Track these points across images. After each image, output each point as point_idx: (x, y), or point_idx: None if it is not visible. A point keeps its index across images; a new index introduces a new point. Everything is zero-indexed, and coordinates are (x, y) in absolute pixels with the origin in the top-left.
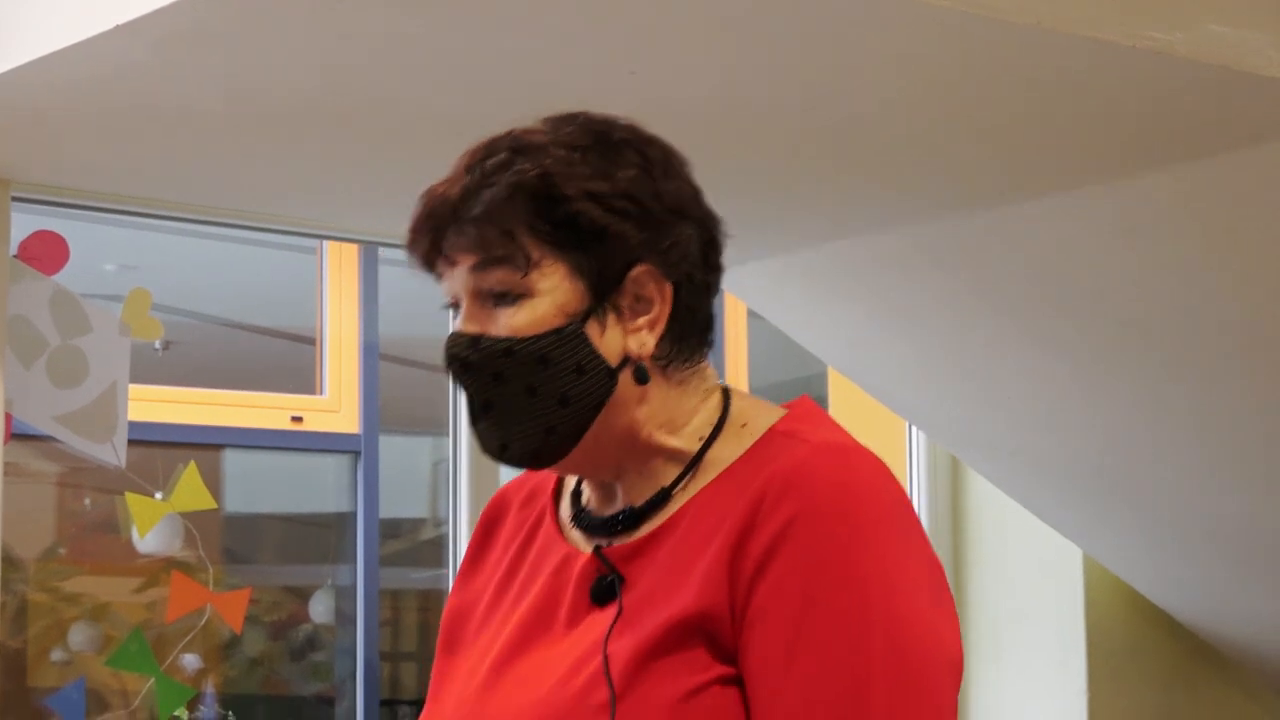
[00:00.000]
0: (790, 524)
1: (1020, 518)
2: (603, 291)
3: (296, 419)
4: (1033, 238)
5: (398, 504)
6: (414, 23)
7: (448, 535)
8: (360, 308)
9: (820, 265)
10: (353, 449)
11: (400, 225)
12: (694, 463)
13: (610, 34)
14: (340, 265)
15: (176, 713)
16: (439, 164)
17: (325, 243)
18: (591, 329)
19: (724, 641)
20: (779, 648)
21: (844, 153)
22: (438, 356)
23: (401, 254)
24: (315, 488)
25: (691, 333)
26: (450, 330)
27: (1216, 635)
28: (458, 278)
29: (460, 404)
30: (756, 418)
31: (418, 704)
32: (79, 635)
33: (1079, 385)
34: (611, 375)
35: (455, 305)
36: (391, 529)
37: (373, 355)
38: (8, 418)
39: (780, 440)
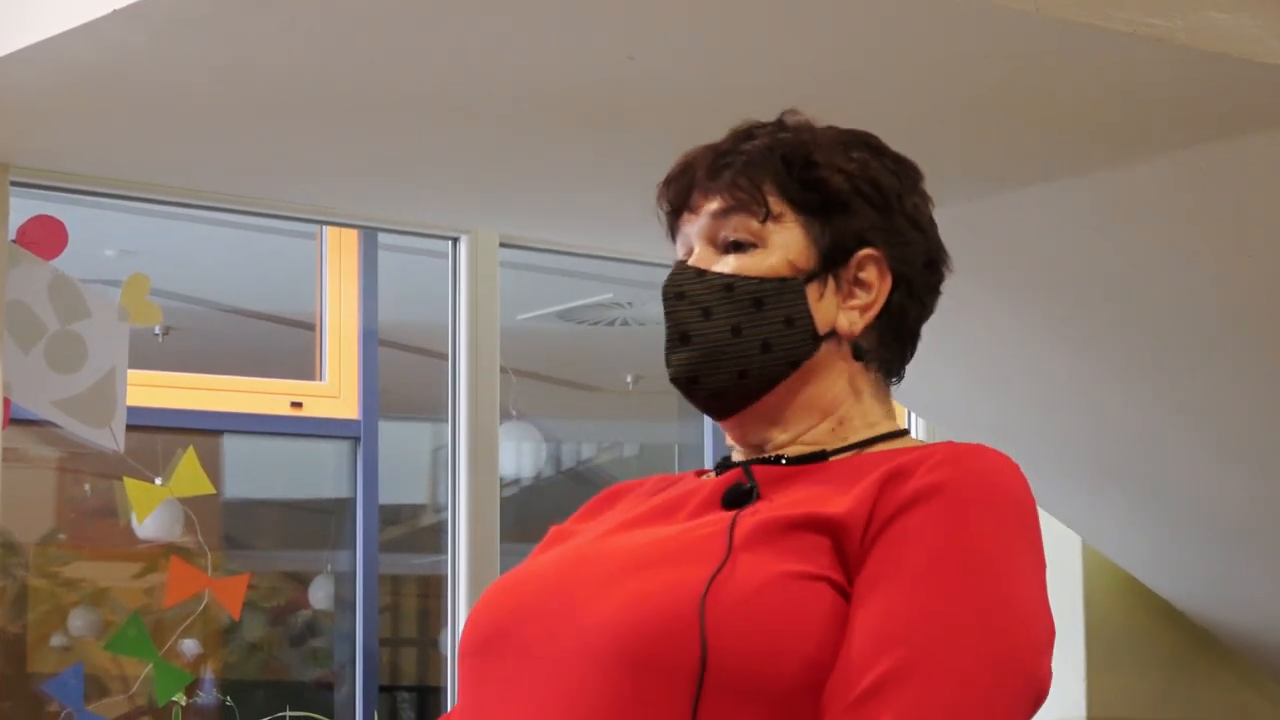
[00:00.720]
0: (944, 483)
1: None
2: (830, 261)
3: (296, 404)
4: (1030, 224)
5: (397, 490)
6: (413, 6)
7: (447, 521)
8: (360, 293)
9: None
10: (352, 435)
11: (400, 211)
12: (860, 445)
13: (609, 18)
14: (340, 251)
15: (175, 698)
16: (438, 150)
17: (325, 228)
18: (811, 291)
19: (849, 552)
20: (892, 575)
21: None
22: (437, 342)
23: (401, 240)
24: (315, 473)
25: (895, 337)
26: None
27: (1214, 622)
28: (698, 224)
29: (460, 390)
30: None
31: (417, 690)
32: (78, 620)
33: (1076, 371)
34: (816, 338)
35: (686, 259)
36: (391, 515)
37: (372, 341)
38: (6, 403)
39: (950, 442)
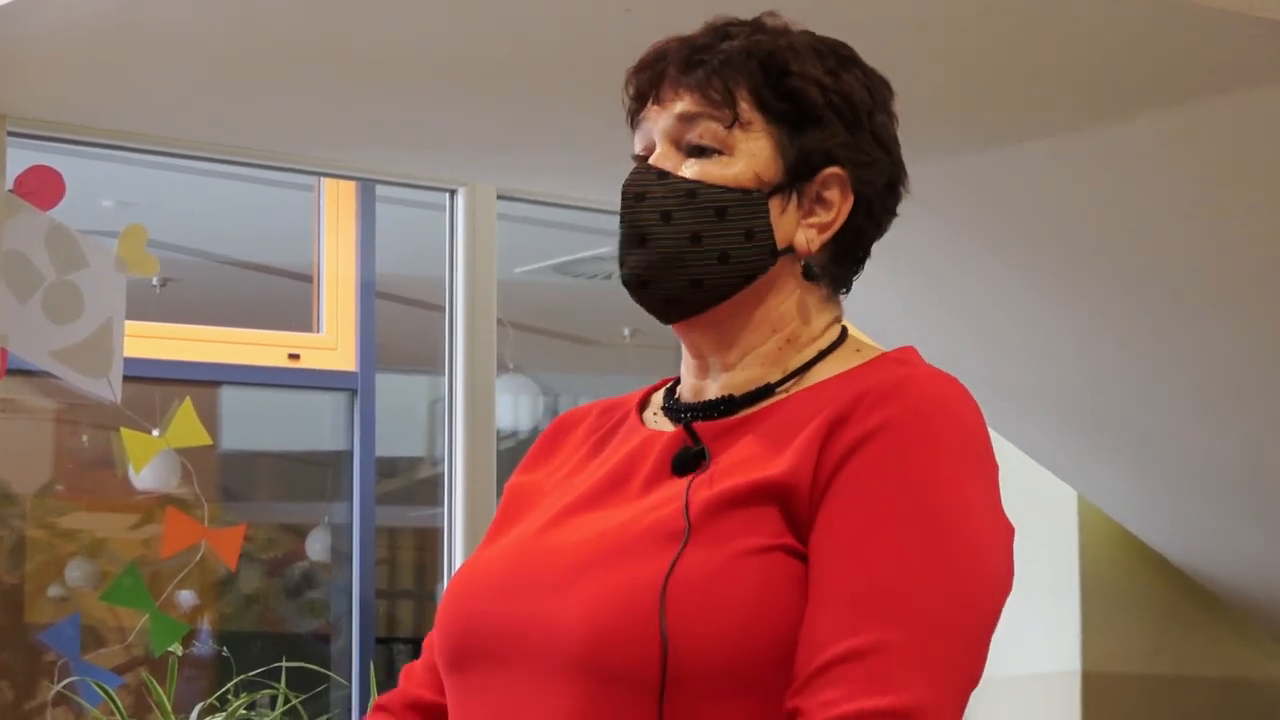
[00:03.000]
0: (886, 424)
1: (1015, 458)
2: (796, 175)
3: (293, 356)
4: (1026, 179)
5: (394, 442)
6: None
7: (444, 474)
8: (357, 245)
9: None
10: (349, 387)
11: (397, 163)
12: (803, 369)
13: None
14: (337, 203)
15: (171, 648)
16: (435, 102)
17: (322, 180)
18: (774, 204)
19: (799, 514)
20: (840, 530)
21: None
22: (435, 294)
23: (398, 192)
24: (312, 425)
25: (849, 256)
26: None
27: (1209, 576)
28: (662, 120)
29: (457, 343)
30: (870, 347)
31: (414, 642)
32: (75, 571)
33: (1070, 325)
34: (773, 253)
35: (644, 156)
36: (388, 467)
37: (369, 293)
38: (3, 353)
39: (890, 363)
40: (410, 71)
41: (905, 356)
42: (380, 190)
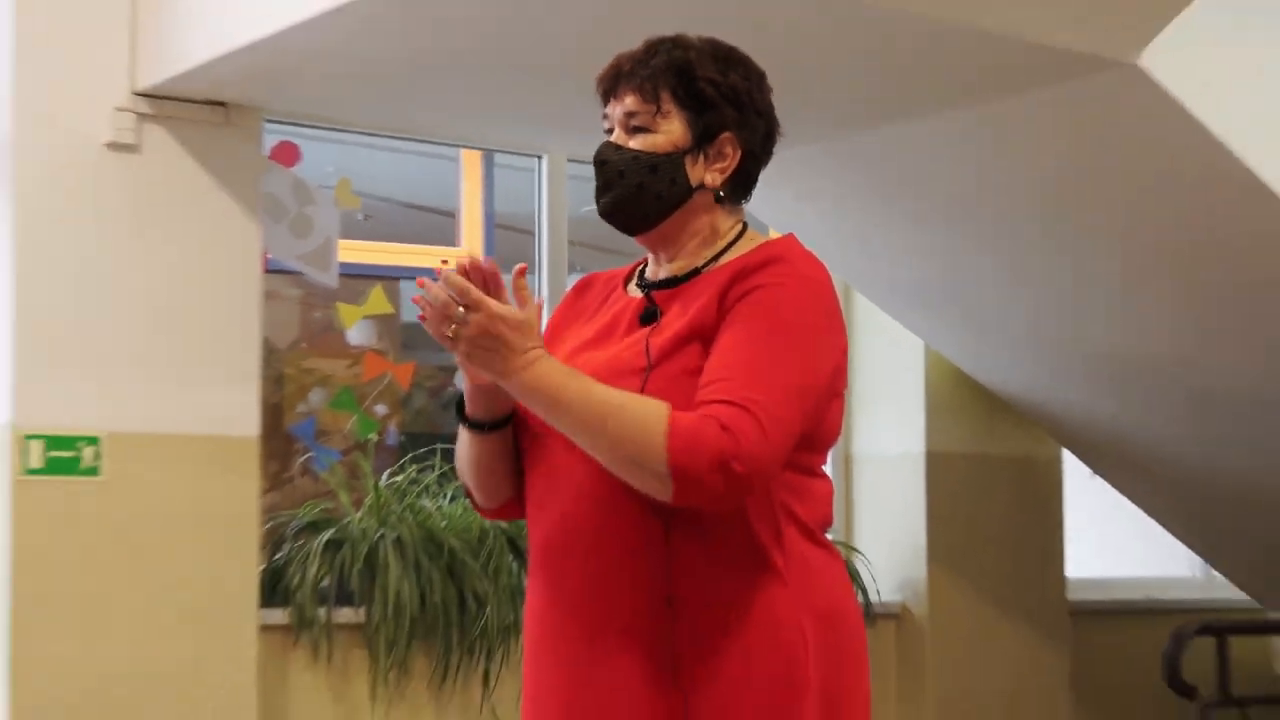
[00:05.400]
0: (762, 279)
1: (879, 318)
2: (701, 141)
3: (444, 261)
4: (920, 148)
5: None
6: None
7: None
8: (483, 193)
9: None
10: None
11: (502, 136)
12: (719, 255)
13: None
14: (471, 164)
15: (370, 437)
16: (530, 91)
17: (461, 151)
18: (688, 161)
19: (711, 342)
20: (727, 335)
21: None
22: (532, 225)
23: (507, 158)
24: None
25: (743, 185)
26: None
27: (1010, 394)
28: (616, 111)
29: (542, 258)
30: (761, 238)
31: None
32: (313, 394)
33: (938, 240)
34: (689, 191)
35: (610, 130)
36: None
37: (490, 224)
38: (265, 256)
39: (769, 245)
40: (522, 73)
41: (782, 241)
42: (497, 158)
